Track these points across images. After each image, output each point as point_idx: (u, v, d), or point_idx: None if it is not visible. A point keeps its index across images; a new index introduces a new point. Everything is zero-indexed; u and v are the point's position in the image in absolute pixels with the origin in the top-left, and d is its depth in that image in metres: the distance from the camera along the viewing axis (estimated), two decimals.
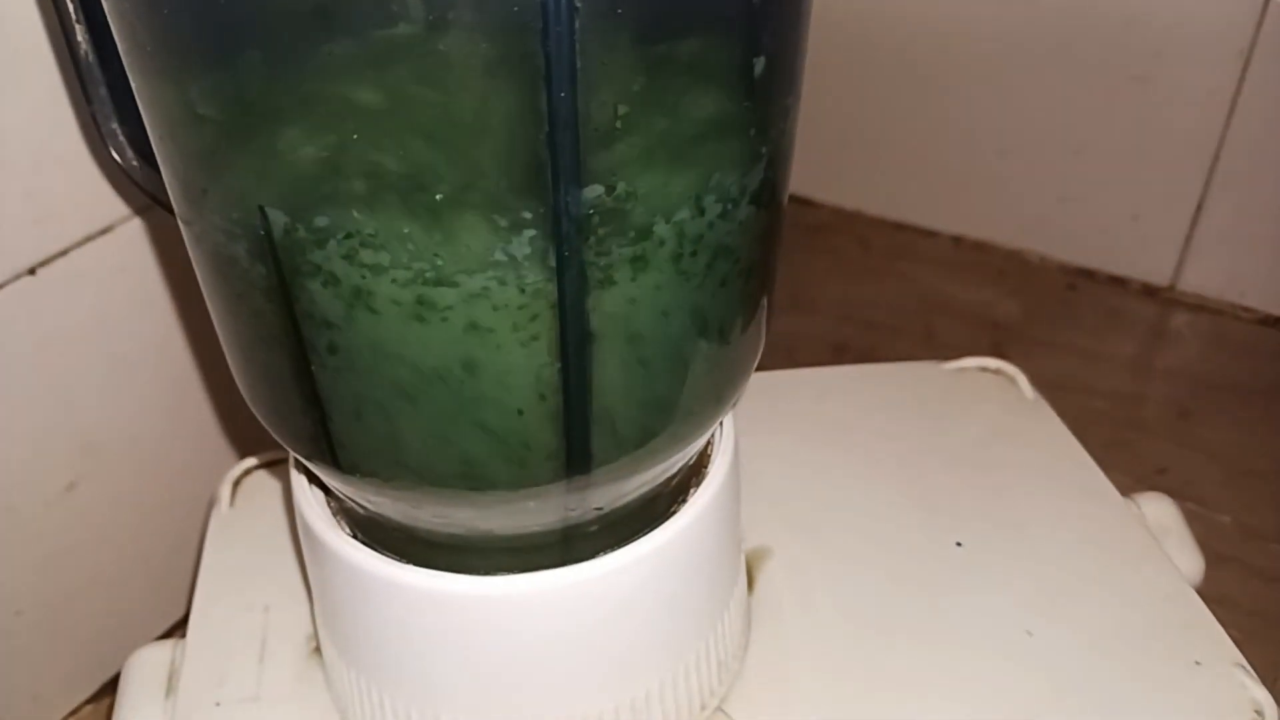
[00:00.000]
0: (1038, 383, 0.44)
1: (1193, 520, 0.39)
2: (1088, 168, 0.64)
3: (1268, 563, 0.47)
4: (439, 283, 0.21)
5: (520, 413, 0.23)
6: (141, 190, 0.34)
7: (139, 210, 0.38)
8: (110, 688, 0.40)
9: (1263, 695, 0.30)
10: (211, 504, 0.40)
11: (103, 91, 0.31)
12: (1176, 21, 0.58)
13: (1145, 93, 0.60)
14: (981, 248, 0.69)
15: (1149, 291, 0.65)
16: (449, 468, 0.24)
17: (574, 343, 0.22)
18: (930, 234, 0.71)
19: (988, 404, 0.43)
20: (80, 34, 0.30)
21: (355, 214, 0.20)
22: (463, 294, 0.21)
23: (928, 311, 0.65)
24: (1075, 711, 0.31)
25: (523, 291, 0.21)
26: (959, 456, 0.40)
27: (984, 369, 0.44)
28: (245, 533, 0.38)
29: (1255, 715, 0.30)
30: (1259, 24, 0.55)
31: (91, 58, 0.31)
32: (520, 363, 0.22)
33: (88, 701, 0.42)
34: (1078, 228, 0.66)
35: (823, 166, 0.73)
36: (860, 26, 0.67)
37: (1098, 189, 0.64)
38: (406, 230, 0.20)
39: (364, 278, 0.21)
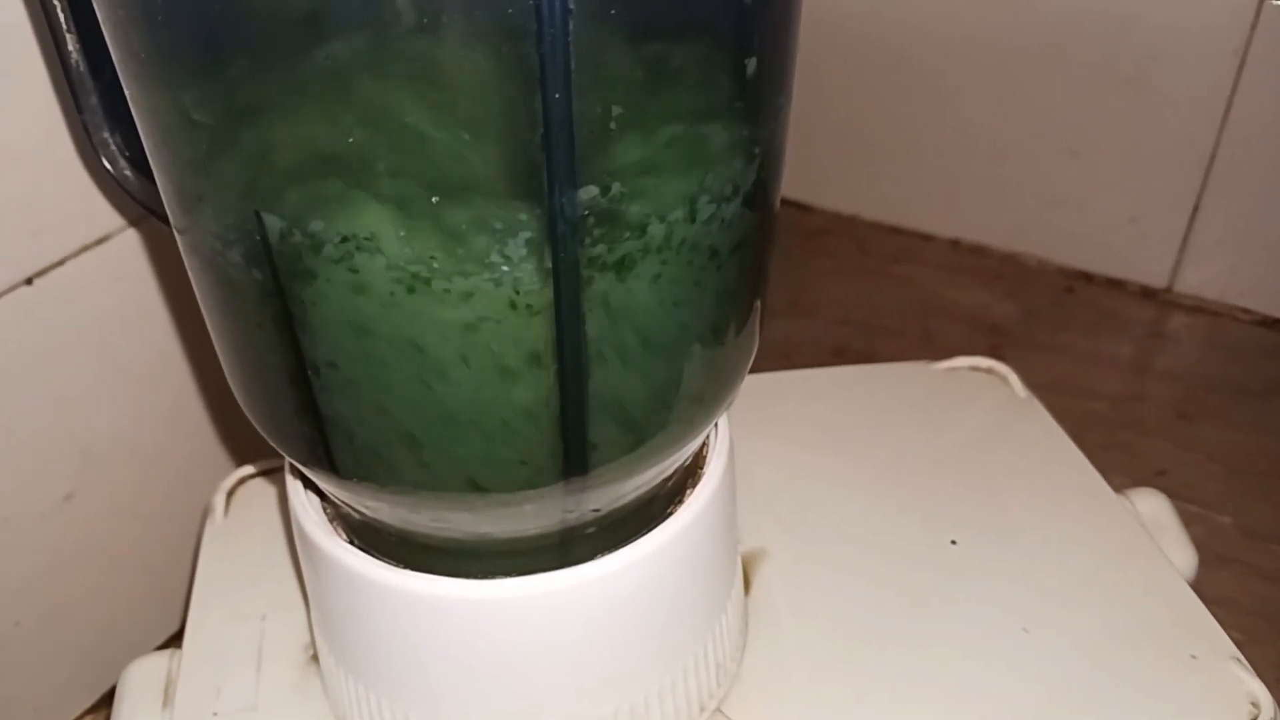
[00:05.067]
0: (1036, 385, 0.44)
1: (1193, 521, 0.39)
2: (1085, 170, 0.64)
3: (1268, 563, 0.47)
4: (434, 285, 0.21)
5: (517, 414, 0.23)
6: (134, 200, 0.34)
7: (134, 221, 0.38)
8: (109, 699, 0.40)
9: (1259, 688, 0.30)
10: (206, 513, 0.40)
11: (94, 101, 0.31)
12: (1171, 23, 0.58)
13: (1141, 95, 0.60)
14: (979, 251, 0.70)
15: (1147, 294, 0.65)
16: (447, 471, 0.24)
17: (570, 343, 0.22)
18: (928, 237, 0.71)
19: (980, 403, 0.43)
20: (71, 43, 0.30)
21: (351, 217, 0.20)
22: (458, 296, 0.21)
23: (926, 315, 0.65)
24: (1073, 708, 0.31)
25: (518, 293, 0.21)
26: (952, 456, 0.40)
27: (975, 368, 0.45)
28: (240, 542, 0.38)
29: (1251, 708, 0.30)
30: (1254, 24, 0.55)
31: (83, 67, 0.31)
32: (516, 364, 0.22)
33: (86, 713, 0.42)
34: (1075, 230, 0.66)
35: (820, 171, 0.73)
36: (857, 31, 0.67)
37: (1095, 191, 0.64)
38: (402, 233, 0.20)
39: (360, 281, 0.21)
